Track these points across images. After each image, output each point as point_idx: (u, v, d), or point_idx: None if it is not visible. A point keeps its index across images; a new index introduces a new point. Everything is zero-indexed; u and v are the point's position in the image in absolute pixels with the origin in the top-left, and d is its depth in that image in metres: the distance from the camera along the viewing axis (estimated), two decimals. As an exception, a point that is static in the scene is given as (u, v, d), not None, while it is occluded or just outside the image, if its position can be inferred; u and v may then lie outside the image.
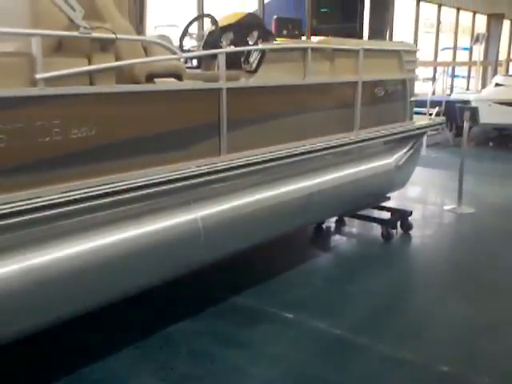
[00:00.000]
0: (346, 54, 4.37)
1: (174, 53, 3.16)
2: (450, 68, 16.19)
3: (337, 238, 5.35)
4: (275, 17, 8.25)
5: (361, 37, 11.98)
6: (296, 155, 3.89)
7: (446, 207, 6.20)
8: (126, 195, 2.89)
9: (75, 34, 2.66)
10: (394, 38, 12.92)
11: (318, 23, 11.13)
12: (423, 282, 4.27)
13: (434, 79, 14.54)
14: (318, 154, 4.09)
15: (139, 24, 5.06)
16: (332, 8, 11.81)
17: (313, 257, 4.72)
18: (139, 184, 2.92)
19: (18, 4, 2.93)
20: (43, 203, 2.52)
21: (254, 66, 3.74)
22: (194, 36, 4.55)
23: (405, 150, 5.23)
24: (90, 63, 2.77)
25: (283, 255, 4.71)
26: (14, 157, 2.44)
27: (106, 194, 2.79)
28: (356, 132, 4.50)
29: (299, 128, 3.98)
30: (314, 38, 10.70)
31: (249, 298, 3.80)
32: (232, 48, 4.01)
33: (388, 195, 5.36)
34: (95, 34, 2.72)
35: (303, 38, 10.05)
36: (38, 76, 2.49)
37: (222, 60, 3.34)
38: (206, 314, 3.58)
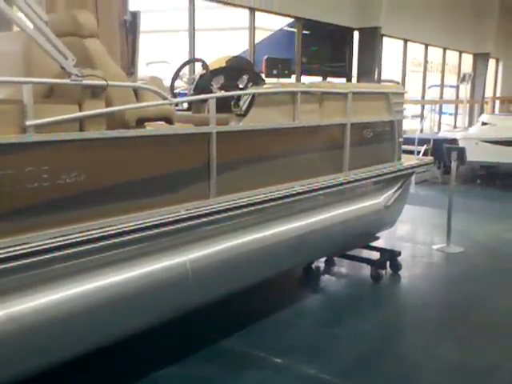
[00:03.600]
0: (335, 96, 4.44)
1: (165, 98, 3.20)
2: (438, 105, 16.47)
3: (326, 278, 5.34)
4: (266, 57, 8.40)
5: (350, 76, 12.21)
6: (285, 197, 3.92)
7: (435, 246, 6.22)
8: (115, 239, 2.89)
9: (66, 81, 2.70)
10: (383, 77, 13.16)
11: (307, 63, 11.35)
12: (412, 323, 4.26)
13: (422, 116, 14.76)
14: (308, 195, 4.12)
15: (131, 65, 5.13)
16: (321, 48, 12.06)
17: (302, 298, 4.70)
18: (128, 229, 2.92)
19: (12, 51, 2.97)
20: (31, 249, 2.51)
21: (244, 109, 3.79)
22: (185, 79, 4.62)
23: (393, 190, 5.28)
24: (80, 109, 2.80)
25: (272, 295, 4.69)
26: (1, 203, 2.44)
27: (95, 239, 2.79)
28: (345, 173, 4.54)
29: (289, 170, 4.02)
30: (304, 78, 10.90)
31: (237, 341, 3.77)
32: (222, 92, 4.07)
33: (377, 235, 5.38)
34: (86, 81, 2.76)
35: (293, 77, 10.22)
36: (28, 123, 2.51)
37: (212, 104, 3.38)
38: (194, 357, 3.54)
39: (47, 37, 2.61)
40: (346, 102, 4.47)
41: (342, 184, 4.47)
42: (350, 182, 4.56)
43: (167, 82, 4.50)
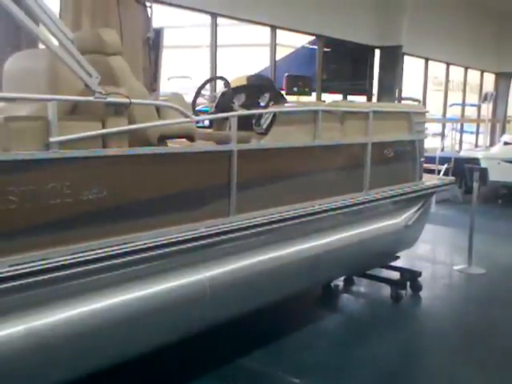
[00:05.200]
0: (357, 115, 4.42)
1: (187, 116, 3.21)
2: (459, 124, 16.35)
3: (345, 297, 5.29)
4: (286, 74, 8.44)
5: (370, 94, 12.20)
6: (305, 216, 3.90)
7: (456, 267, 6.13)
8: (135, 256, 2.89)
9: (90, 98, 2.73)
10: (403, 95, 13.12)
11: (328, 80, 11.36)
12: (433, 346, 4.18)
13: (442, 135, 14.65)
14: (327, 214, 4.10)
15: (153, 82, 5.19)
16: (342, 65, 12.07)
17: (321, 317, 4.65)
18: (148, 245, 2.93)
19: (37, 68, 3.01)
20: (52, 264, 2.53)
21: (265, 127, 3.79)
22: (206, 97, 4.65)
23: (414, 210, 5.22)
24: (103, 126, 2.82)
25: (290, 314, 4.65)
26: (25, 218, 2.47)
27: (115, 256, 2.79)
28: (365, 192, 4.51)
29: (309, 189, 4.00)
30: (324, 95, 10.91)
31: (255, 360, 3.74)
32: (244, 111, 4.08)
33: (397, 254, 5.32)
34: (110, 99, 2.78)
35: (313, 94, 10.24)
36: (52, 139, 2.54)
37: (233, 123, 3.39)
38: (211, 375, 3.52)
39: (72, 54, 2.64)
40: (368, 121, 4.45)
41: (362, 203, 4.44)
42: (370, 202, 4.53)
43: (188, 97, 4.53)
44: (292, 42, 11.60)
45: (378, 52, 12.24)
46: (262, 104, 4.26)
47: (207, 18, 8.34)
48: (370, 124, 4.46)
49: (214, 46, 8.07)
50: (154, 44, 5.58)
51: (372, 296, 5.39)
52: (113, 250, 2.79)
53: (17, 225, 2.46)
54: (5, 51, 5.02)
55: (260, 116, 3.88)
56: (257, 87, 4.46)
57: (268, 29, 9.43)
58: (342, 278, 5.50)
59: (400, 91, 12.81)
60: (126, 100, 2.83)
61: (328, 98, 11.05)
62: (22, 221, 2.47)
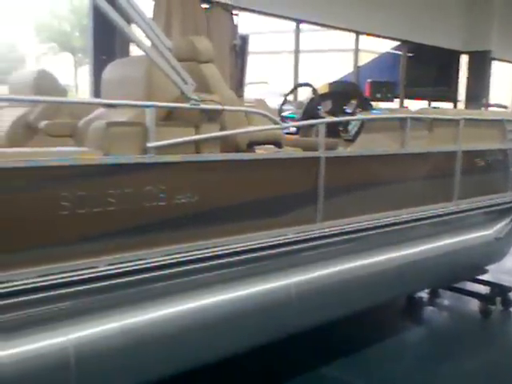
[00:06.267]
0: (446, 123, 4.30)
1: (276, 123, 3.23)
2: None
3: (430, 310, 5.13)
4: (369, 80, 8.33)
5: (456, 100, 11.82)
6: (391, 225, 3.83)
7: (550, 283, 5.80)
8: (223, 260, 2.95)
9: (186, 105, 2.80)
10: (491, 102, 12.62)
11: (411, 86, 11.11)
12: (526, 365, 3.98)
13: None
14: (414, 224, 4.00)
15: (239, 87, 5.27)
16: (426, 71, 11.77)
17: (404, 329, 4.54)
18: (236, 250, 2.98)
19: (133, 75, 3.13)
20: (147, 265, 2.62)
21: (353, 134, 3.76)
22: (294, 104, 4.68)
23: (506, 222, 4.99)
24: (197, 132, 2.90)
25: (374, 325, 4.57)
26: (121, 220, 2.57)
27: (204, 259, 2.86)
28: (454, 202, 4.36)
29: (396, 197, 3.92)
30: (408, 101, 10.67)
31: (339, 369, 3.69)
32: (332, 118, 4.06)
33: (486, 268, 5.11)
34: (204, 106, 2.85)
35: (396, 100, 10.05)
36: (149, 144, 2.63)
37: (321, 130, 3.38)
38: (294, 382, 3.51)
39: (170, 62, 2.72)
40: (458, 129, 4.31)
41: (451, 214, 4.30)
42: (459, 212, 4.38)
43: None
44: (375, 47, 11.45)
45: (464, 57, 11.83)
46: (349, 111, 4.22)
47: (288, 25, 8.37)
48: (460, 132, 4.31)
49: (296, 52, 8.08)
50: (240, 50, 5.70)
51: (458, 310, 5.20)
52: (202, 254, 2.85)
53: (114, 226, 2.56)
54: (100, 60, 5.28)
55: (347, 123, 3.85)
56: (343, 94, 4.44)
57: (349, 34, 9.34)
58: (427, 290, 5.34)
59: (487, 97, 12.34)
60: (220, 107, 2.89)
61: (410, 104, 10.80)
62: (118, 222, 2.57)
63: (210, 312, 2.93)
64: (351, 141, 3.78)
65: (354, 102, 4.21)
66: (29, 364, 2.31)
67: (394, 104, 10.18)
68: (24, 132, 3.65)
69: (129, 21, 2.65)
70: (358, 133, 3.75)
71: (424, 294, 5.30)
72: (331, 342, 4.12)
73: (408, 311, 5.04)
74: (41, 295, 2.38)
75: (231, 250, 2.95)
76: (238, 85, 5.32)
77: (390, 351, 4.05)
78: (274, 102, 5.20)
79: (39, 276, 2.35)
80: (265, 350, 3.28)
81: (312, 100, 4.38)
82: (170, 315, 2.73)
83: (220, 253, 2.91)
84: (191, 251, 2.81)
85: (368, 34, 9.37)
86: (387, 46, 11.27)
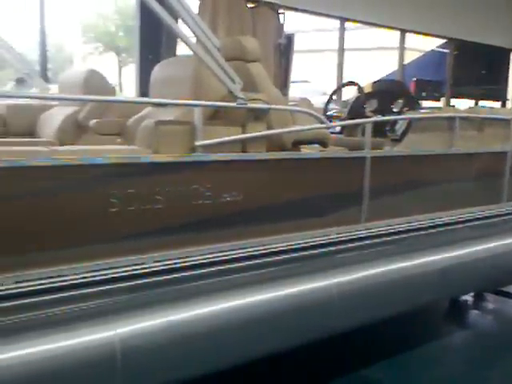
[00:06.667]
0: (496, 123, 4.20)
1: (322, 122, 3.22)
2: None
3: (474, 313, 5.02)
4: (415, 79, 8.21)
5: (505, 99, 11.52)
6: (437, 226, 3.77)
7: None
8: (266, 259, 2.96)
9: (233, 104, 2.82)
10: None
11: (457, 85, 10.87)
12: None
13: None
14: (461, 225, 3.93)
15: (283, 87, 5.26)
16: (473, 70, 11.50)
17: (448, 332, 4.46)
18: (280, 249, 2.98)
19: (180, 75, 3.17)
20: (193, 262, 2.65)
21: (400, 134, 3.71)
22: (338, 103, 4.65)
23: (556, 225, 4.85)
24: (243, 131, 2.91)
25: (416, 327, 4.50)
26: (168, 217, 2.61)
27: (248, 257, 2.87)
28: (504, 204, 4.26)
29: (443, 198, 3.86)
30: (454, 101, 10.45)
31: (380, 371, 3.65)
32: (379, 117, 4.02)
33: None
34: (251, 105, 2.86)
35: (442, 99, 9.87)
36: (197, 143, 2.66)
37: (368, 129, 3.35)
38: (333, 383, 3.49)
39: (218, 62, 2.75)
40: (509, 129, 4.20)
41: (499, 215, 4.21)
42: (508, 214, 4.28)
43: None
44: (420, 45, 11.25)
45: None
46: (396, 110, 4.17)
47: (331, 23, 8.31)
48: (511, 132, 4.21)
49: (341, 50, 8.02)
50: (285, 50, 5.69)
51: (504, 314, 5.07)
52: (246, 252, 2.87)
53: (161, 223, 2.60)
54: (146, 59, 5.36)
55: (394, 122, 3.81)
56: (390, 92, 4.38)
57: (393, 32, 9.20)
58: (472, 293, 5.23)
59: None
60: (267, 106, 2.90)
61: (457, 103, 10.57)
62: (165, 220, 2.61)
63: (253, 311, 2.94)
64: (398, 140, 3.73)
65: (400, 101, 4.15)
66: (78, 356, 2.37)
67: (440, 103, 10.00)
68: (73, 130, 3.75)
69: (176, 19, 2.68)
70: (404, 132, 3.70)
71: (469, 298, 5.20)
72: (373, 344, 4.08)
73: (452, 314, 4.95)
74: (90, 290, 2.44)
75: (275, 249, 2.96)
76: (283, 84, 5.31)
77: (433, 355, 3.98)
78: (316, 101, 5.17)
79: (89, 271, 2.41)
80: (305, 350, 3.28)
81: (358, 99, 4.35)
82: (215, 312, 2.75)
83: (264, 251, 2.93)
84: (236, 249, 2.84)
85: (414, 32, 9.22)
86: (433, 44, 11.05)
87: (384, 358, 3.83)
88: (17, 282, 2.24)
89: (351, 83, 4.45)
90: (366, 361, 3.77)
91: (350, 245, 3.30)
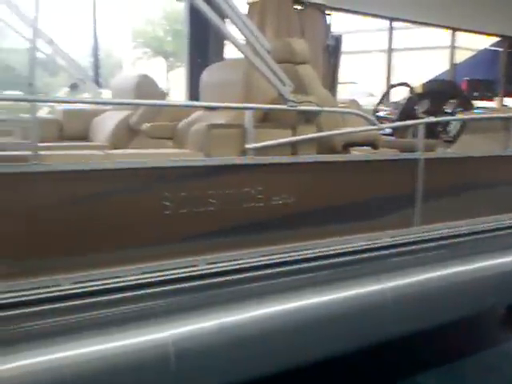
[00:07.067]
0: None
1: (373, 123, 3.18)
2: None
3: (532, 320, 4.84)
4: (466, 78, 8.00)
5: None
6: (493, 230, 3.66)
7: None
8: (317, 262, 2.93)
9: (284, 107, 2.81)
10: None
11: (510, 84, 10.54)
12: None
13: None
14: (518, 229, 3.80)
15: (331, 88, 5.21)
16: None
17: (505, 340, 4.31)
18: (331, 252, 2.95)
19: (231, 78, 3.19)
20: (245, 265, 2.65)
21: (453, 135, 3.63)
22: (389, 104, 4.58)
23: None
24: (293, 134, 2.90)
25: (472, 334, 4.37)
26: (221, 220, 2.62)
27: (299, 261, 2.86)
28: None
29: (498, 202, 3.74)
30: (508, 100, 10.14)
31: (435, 378, 3.56)
32: (431, 118, 3.94)
33: None
34: (302, 107, 2.85)
35: (495, 99, 9.59)
36: (248, 146, 2.67)
37: (421, 130, 3.29)
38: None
39: (268, 64, 2.74)
40: None
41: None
42: None
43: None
44: (471, 44, 10.97)
45: None
46: (449, 110, 4.07)
47: (377, 23, 8.19)
48: None
49: (390, 51, 7.91)
50: (333, 51, 5.65)
51: None
52: (297, 255, 2.86)
53: (213, 226, 2.62)
54: (196, 64, 5.42)
55: (447, 123, 3.72)
56: (442, 93, 4.29)
57: (444, 31, 8.99)
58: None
59: None
60: (318, 108, 2.88)
61: (510, 103, 10.25)
62: (217, 222, 2.63)
63: (306, 314, 2.92)
64: (451, 142, 3.65)
65: (453, 101, 4.05)
66: (131, 357, 2.40)
67: (493, 103, 9.71)
68: (125, 134, 3.82)
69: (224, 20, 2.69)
70: (458, 134, 3.61)
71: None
72: (428, 350, 3.98)
73: (509, 322, 4.79)
74: (144, 292, 2.48)
75: (326, 253, 2.93)
76: (330, 86, 5.26)
77: (489, 361, 3.86)
78: (363, 102, 5.11)
79: (142, 273, 2.44)
80: (359, 355, 3.23)
81: (409, 100, 4.27)
82: (268, 315, 2.75)
83: (315, 255, 2.91)
84: (287, 253, 2.82)
85: (465, 31, 8.98)
86: (485, 42, 10.75)
87: (438, 365, 3.74)
88: (74, 283, 2.29)
89: (403, 84, 4.38)
90: (421, 367, 3.68)
91: (404, 248, 3.24)
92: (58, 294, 2.25)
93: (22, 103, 2.72)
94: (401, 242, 3.21)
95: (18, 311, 2.19)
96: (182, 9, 6.00)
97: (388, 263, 3.26)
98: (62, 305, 2.26)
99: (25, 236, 2.20)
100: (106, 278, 2.37)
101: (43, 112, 4.49)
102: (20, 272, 2.20)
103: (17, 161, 2.21)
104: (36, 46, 2.33)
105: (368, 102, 5.74)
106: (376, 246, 3.12)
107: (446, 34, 9.07)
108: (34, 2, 2.12)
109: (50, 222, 2.24)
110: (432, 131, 3.73)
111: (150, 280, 2.48)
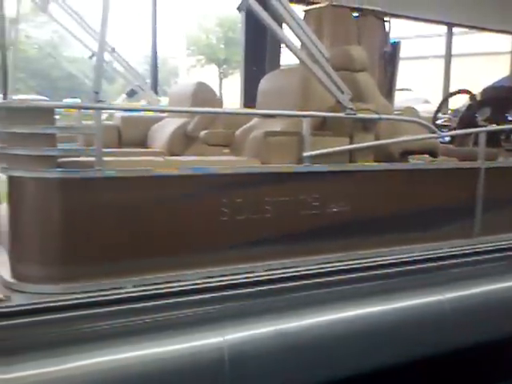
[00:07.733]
0: None
1: (433, 131, 3.12)
2: None
3: None
4: (528, 85, 7.73)
5: None
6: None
7: None
8: (375, 272, 2.90)
9: (341, 115, 2.80)
10: None
11: None
12: None
13: None
14: None
15: (388, 95, 5.15)
16: None
17: None
18: (387, 262, 2.92)
19: (289, 86, 3.20)
20: (300, 272, 2.65)
21: (516, 144, 3.53)
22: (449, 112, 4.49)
23: None
24: (351, 141, 2.89)
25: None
26: (276, 227, 2.63)
27: (356, 269, 2.83)
28: None
29: None
30: None
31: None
32: (493, 126, 3.83)
33: None
34: (360, 115, 2.83)
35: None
36: (305, 154, 2.67)
37: (482, 139, 3.21)
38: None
39: (327, 72, 2.74)
40: None
41: None
42: None
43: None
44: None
45: None
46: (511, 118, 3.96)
47: (434, 28, 8.05)
48: None
49: (448, 57, 7.76)
50: (390, 58, 5.59)
51: None
52: (353, 264, 2.83)
53: (269, 232, 2.63)
54: (251, 71, 5.46)
55: (509, 131, 3.61)
56: (504, 100, 4.17)
57: (503, 36, 8.76)
58: None
59: None
60: (377, 116, 2.85)
61: None
62: (274, 229, 2.64)
63: (362, 323, 2.89)
64: (514, 151, 3.55)
65: (517, 108, 3.93)
66: (187, 360, 2.43)
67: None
68: (182, 141, 3.89)
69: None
70: (522, 142, 3.51)
71: None
72: (490, 363, 3.85)
73: None
74: (201, 296, 2.51)
75: (384, 262, 2.89)
76: (388, 93, 5.19)
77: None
78: (419, 109, 5.02)
79: (201, 278, 2.47)
80: (418, 366, 3.16)
81: (470, 107, 4.17)
82: (324, 323, 2.74)
83: (372, 264, 2.87)
84: (343, 261, 2.81)
85: (527, 36, 8.73)
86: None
87: (502, 379, 3.62)
88: (134, 286, 2.34)
89: (463, 91, 4.28)
90: (482, 382, 3.58)
91: (463, 259, 3.16)
92: (120, 296, 2.31)
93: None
94: (460, 252, 3.13)
95: (79, 312, 2.26)
96: (235, 16, 6.08)
97: (447, 274, 3.19)
98: (124, 307, 2.32)
99: (87, 240, 2.27)
100: (165, 282, 2.42)
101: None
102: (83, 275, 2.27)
103: (82, 166, 2.29)
104: (103, 56, 2.40)
105: (424, 109, 5.62)
106: (435, 256, 3.06)
107: (504, 39, 8.84)
108: (102, 15, 2.19)
109: (114, 226, 2.30)
110: (493, 139, 3.63)
111: (207, 285, 2.51)
